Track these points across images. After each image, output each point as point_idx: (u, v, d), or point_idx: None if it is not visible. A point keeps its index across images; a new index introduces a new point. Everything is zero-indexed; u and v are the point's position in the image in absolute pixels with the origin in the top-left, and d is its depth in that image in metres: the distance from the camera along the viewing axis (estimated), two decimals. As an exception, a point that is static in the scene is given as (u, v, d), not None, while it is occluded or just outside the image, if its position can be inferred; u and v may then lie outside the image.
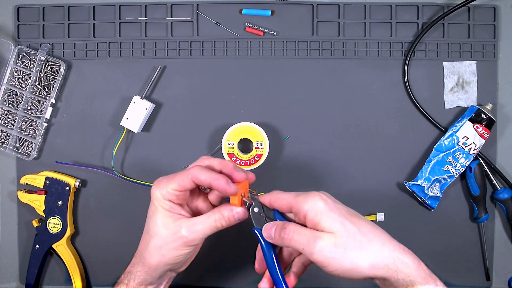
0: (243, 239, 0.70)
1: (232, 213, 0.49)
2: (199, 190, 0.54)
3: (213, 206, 0.54)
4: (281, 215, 0.49)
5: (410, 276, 0.44)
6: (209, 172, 0.48)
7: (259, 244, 0.50)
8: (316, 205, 0.45)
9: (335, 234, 0.44)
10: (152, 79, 0.69)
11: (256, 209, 0.50)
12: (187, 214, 0.51)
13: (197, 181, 0.48)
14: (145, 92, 0.69)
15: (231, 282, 0.71)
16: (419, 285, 0.44)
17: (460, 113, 0.70)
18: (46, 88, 0.70)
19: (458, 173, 0.67)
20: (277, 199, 0.48)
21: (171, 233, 0.49)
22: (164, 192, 0.49)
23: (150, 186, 0.69)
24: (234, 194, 0.49)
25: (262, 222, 0.49)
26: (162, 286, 0.55)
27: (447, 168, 0.67)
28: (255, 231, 0.49)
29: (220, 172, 0.50)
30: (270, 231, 0.48)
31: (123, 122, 0.68)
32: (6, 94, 0.69)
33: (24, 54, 0.69)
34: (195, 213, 0.53)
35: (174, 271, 0.55)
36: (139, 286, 0.52)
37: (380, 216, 0.68)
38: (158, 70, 0.69)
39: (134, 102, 0.68)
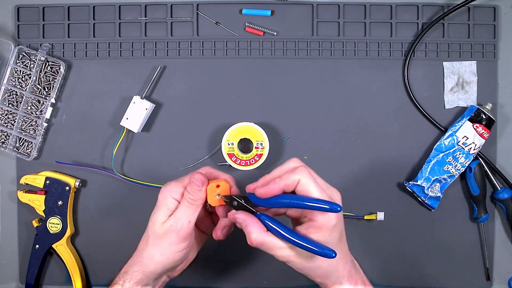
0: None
1: (193, 187, 0.51)
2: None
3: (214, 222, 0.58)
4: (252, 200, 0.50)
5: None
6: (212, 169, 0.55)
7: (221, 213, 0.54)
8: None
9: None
10: (152, 79, 0.69)
11: (235, 203, 0.51)
12: None
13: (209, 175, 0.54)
14: (145, 92, 0.69)
15: (232, 282, 0.71)
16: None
17: (460, 113, 0.70)
18: (46, 88, 0.70)
19: (458, 173, 0.67)
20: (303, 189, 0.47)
21: (165, 229, 0.51)
22: (174, 190, 0.52)
23: (150, 186, 0.70)
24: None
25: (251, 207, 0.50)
26: None
27: (447, 168, 0.67)
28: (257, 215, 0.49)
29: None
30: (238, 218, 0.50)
31: (123, 122, 0.68)
32: (6, 94, 0.69)
33: (24, 54, 0.69)
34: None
35: (168, 275, 0.56)
36: (135, 286, 0.52)
37: (380, 215, 0.68)
38: (158, 70, 0.69)
39: (134, 102, 0.68)
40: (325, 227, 0.46)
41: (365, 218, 0.69)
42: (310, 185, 0.46)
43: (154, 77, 0.69)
